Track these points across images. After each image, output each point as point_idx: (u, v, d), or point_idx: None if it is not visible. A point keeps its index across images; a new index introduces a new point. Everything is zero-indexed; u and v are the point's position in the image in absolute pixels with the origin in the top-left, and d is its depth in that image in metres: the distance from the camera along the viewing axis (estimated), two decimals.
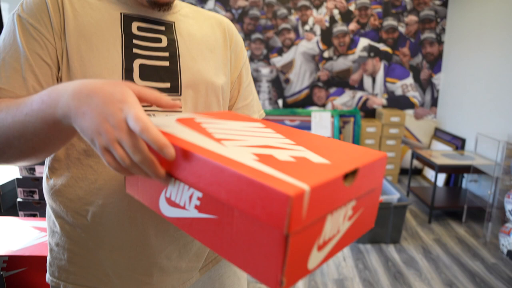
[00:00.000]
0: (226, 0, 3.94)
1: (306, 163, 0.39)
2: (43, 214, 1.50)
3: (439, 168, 2.90)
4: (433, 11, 3.97)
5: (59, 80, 0.62)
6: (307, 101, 4.15)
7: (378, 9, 4.00)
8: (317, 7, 3.99)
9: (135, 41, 0.65)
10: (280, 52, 4.07)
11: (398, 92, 4.11)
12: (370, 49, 4.07)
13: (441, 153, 3.22)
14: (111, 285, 0.69)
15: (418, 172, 4.21)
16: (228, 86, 0.78)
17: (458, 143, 3.56)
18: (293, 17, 4.01)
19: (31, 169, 1.47)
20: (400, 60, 4.07)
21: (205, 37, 0.74)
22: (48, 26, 0.60)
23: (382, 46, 4.06)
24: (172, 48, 0.68)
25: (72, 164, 0.64)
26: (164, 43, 0.68)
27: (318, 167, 0.38)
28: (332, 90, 4.15)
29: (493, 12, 3.18)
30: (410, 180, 3.42)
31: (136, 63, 0.64)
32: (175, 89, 0.67)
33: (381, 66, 4.09)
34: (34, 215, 1.50)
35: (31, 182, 1.48)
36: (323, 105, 4.19)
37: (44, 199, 1.49)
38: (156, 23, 0.69)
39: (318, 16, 4.01)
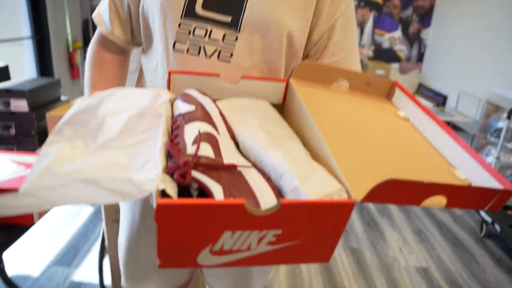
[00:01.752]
0: None
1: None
2: (20, 149, 1.44)
3: None
4: None
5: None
6: None
7: None
8: None
9: None
10: None
11: (386, 44, 4.05)
12: None
13: None
14: None
15: None
16: (301, 34, 0.69)
17: (439, 99, 3.61)
18: None
19: (6, 103, 1.39)
20: (390, 12, 3.97)
21: None
22: None
23: None
24: None
25: None
26: None
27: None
28: None
29: None
30: None
31: None
32: (234, 25, 0.65)
33: (371, 16, 3.98)
34: (11, 149, 1.44)
35: (7, 116, 1.40)
36: None
37: (22, 135, 1.43)
38: None
39: None
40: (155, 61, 0.71)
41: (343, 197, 0.40)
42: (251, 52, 0.66)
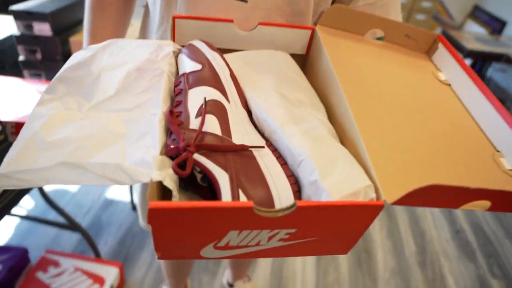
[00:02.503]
0: None
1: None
2: (48, 76, 1.44)
3: (467, 53, 2.68)
4: None
5: None
6: None
7: None
8: None
9: None
10: None
11: None
12: None
13: (474, 35, 2.95)
14: None
15: None
16: None
17: (496, 26, 3.23)
18: None
19: (28, 26, 1.35)
20: None
21: None
22: None
23: None
24: None
25: None
26: None
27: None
28: None
29: None
30: None
31: None
32: None
33: None
34: (39, 75, 1.44)
35: (30, 41, 1.38)
36: None
37: (48, 60, 1.41)
38: None
39: None
40: None
41: (370, 196, 0.35)
42: None
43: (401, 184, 0.35)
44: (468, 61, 3.34)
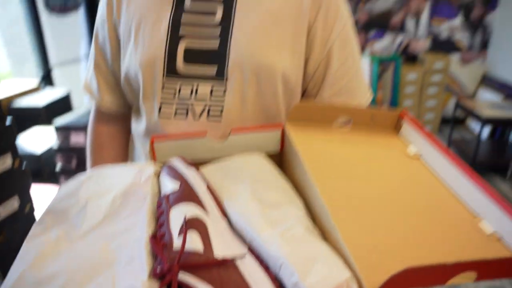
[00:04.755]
0: None
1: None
2: None
3: (485, 121, 2.69)
4: None
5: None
6: None
7: None
8: None
9: (184, 18, 0.60)
10: None
11: (444, 34, 3.77)
12: None
13: (487, 104, 2.98)
14: None
15: (460, 121, 3.97)
16: (295, 70, 0.63)
17: (510, 91, 3.27)
18: None
19: (66, 138, 1.56)
20: None
21: (271, 5, 0.60)
22: (110, 14, 0.66)
23: None
24: (226, 24, 0.59)
25: None
26: (218, 16, 0.60)
27: None
28: (371, 33, 3.88)
29: None
30: (452, 131, 3.23)
31: (181, 46, 0.60)
32: (220, 73, 0.60)
33: (427, 5, 3.73)
34: None
35: (68, 150, 1.57)
36: (362, 50, 3.96)
37: (82, 169, 1.59)
38: None
39: None
40: (143, 127, 0.67)
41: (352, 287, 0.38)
42: (243, 103, 0.61)
43: (383, 270, 0.36)
44: (487, 129, 3.33)
